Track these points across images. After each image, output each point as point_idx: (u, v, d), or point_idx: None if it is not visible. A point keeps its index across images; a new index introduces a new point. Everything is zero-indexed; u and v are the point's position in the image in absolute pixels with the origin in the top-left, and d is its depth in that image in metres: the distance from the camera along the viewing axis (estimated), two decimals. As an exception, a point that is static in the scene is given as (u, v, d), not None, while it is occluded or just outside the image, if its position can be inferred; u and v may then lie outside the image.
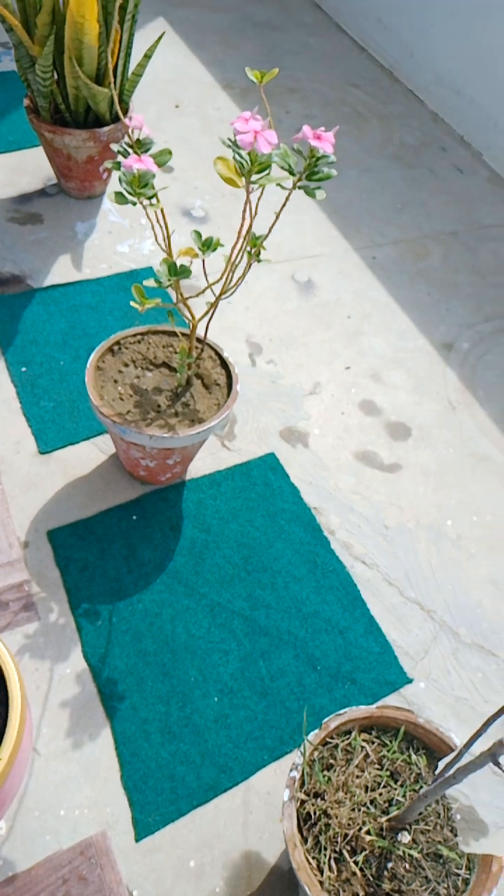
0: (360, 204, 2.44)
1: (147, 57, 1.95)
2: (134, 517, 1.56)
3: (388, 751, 1.09)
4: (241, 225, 1.21)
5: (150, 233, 2.15)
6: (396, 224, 2.39)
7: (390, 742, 1.10)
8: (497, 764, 0.66)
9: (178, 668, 1.37)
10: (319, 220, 2.35)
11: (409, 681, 1.43)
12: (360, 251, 2.27)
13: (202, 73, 2.82)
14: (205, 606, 1.46)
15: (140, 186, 1.13)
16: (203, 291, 1.28)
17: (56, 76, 1.95)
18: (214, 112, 2.64)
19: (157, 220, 1.28)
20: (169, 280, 1.20)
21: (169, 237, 1.28)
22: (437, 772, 0.87)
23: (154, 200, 1.18)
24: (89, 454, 1.65)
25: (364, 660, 1.44)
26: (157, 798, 1.23)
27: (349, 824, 1.02)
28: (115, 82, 1.96)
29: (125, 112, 2.06)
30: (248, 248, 1.24)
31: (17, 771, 0.89)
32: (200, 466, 1.67)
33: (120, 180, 1.14)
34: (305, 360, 1.94)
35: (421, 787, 1.09)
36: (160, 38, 1.93)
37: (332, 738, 1.09)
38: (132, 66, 2.58)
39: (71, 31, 1.78)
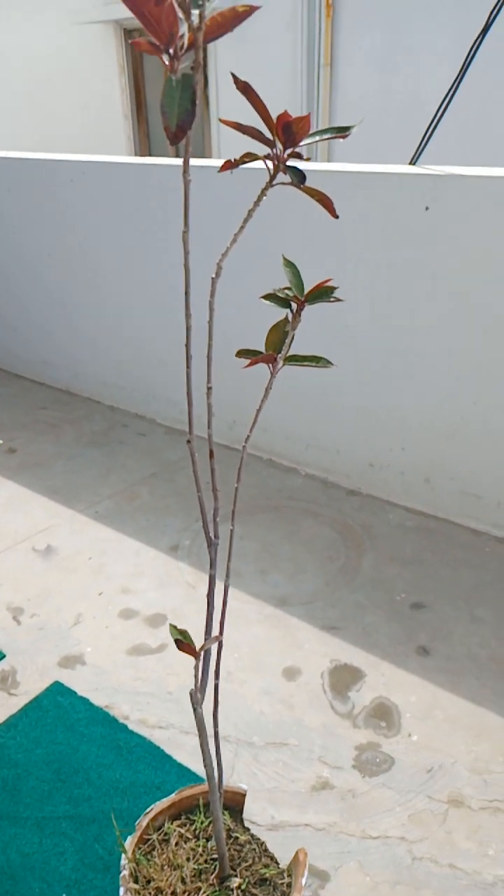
0: (74, 481, 3.01)
1: None
2: None
3: (198, 822, 1.31)
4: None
5: None
6: (107, 485, 2.98)
7: (197, 817, 1.33)
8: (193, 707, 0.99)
9: (20, 887, 1.45)
10: (44, 503, 2.85)
11: (226, 795, 1.64)
12: (83, 512, 2.79)
13: None
14: (31, 826, 1.58)
15: None
16: None
17: None
18: None
19: None
20: None
21: None
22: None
23: None
24: None
25: (185, 800, 1.63)
26: None
27: (185, 893, 1.20)
28: None
29: None
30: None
31: None
32: (-6, 718, 1.85)
33: None
34: (63, 603, 2.28)
35: (235, 838, 1.31)
36: None
37: (148, 835, 1.29)
38: None
39: None
